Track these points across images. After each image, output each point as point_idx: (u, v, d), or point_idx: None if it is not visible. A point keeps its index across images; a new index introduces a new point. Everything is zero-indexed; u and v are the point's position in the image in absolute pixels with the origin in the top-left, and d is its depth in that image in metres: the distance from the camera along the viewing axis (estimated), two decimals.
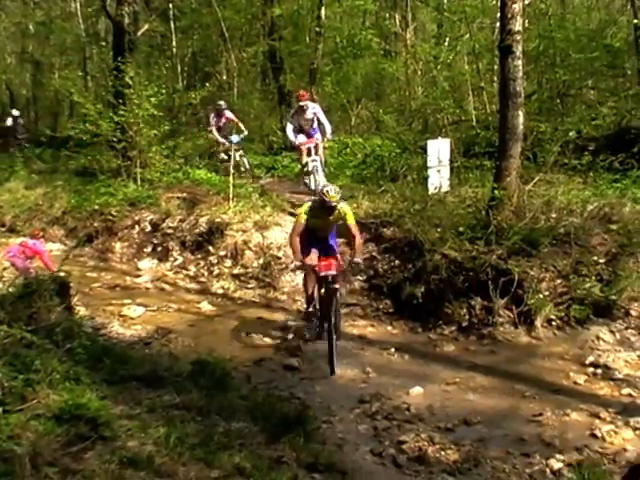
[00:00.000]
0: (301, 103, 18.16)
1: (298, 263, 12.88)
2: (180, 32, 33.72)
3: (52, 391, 6.74)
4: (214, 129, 21.58)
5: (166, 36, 33.58)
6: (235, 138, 21.16)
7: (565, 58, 20.96)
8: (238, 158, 20.67)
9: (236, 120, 21.98)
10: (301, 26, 30.52)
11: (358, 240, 11.68)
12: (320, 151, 18.34)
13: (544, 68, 21.46)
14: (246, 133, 21.73)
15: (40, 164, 26.70)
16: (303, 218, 11.60)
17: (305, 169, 18.34)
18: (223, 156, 21.76)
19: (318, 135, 18.32)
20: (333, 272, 11.43)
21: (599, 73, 21.47)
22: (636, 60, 19.75)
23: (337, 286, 11.51)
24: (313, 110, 18.26)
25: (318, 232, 11.86)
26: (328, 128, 18.31)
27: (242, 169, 20.88)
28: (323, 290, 11.61)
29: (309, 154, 18.12)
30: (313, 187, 17.46)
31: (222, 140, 21.57)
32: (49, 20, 39.48)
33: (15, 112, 32.12)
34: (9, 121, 31.69)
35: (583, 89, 21.85)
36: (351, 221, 11.61)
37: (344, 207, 11.67)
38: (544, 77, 21.67)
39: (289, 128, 18.30)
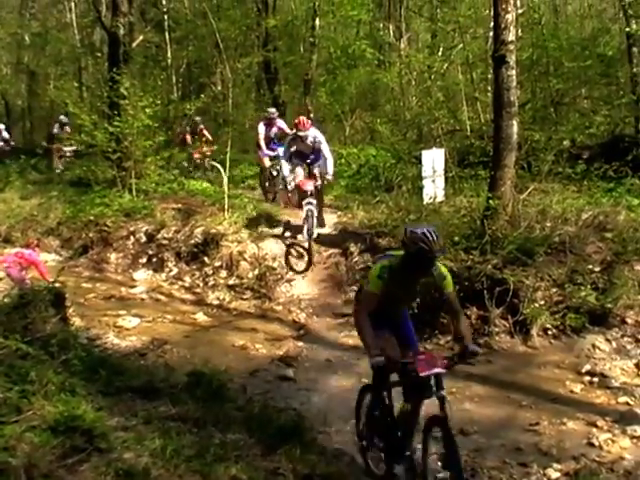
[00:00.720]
0: (301, 133, 16.15)
1: (377, 361, 7.23)
2: (175, 43, 33.91)
3: (47, 402, 6.71)
4: (262, 142, 19.87)
5: (161, 47, 33.76)
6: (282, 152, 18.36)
7: (558, 67, 21.05)
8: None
9: (288, 131, 19.35)
10: (295, 37, 30.67)
11: (462, 317, 8.08)
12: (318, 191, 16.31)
13: (538, 77, 21.54)
14: None
15: (35, 174, 26.63)
16: (378, 286, 7.52)
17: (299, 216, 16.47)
18: (272, 172, 19.94)
19: (318, 168, 16.52)
20: (440, 370, 7.21)
21: (592, 82, 21.58)
22: (629, 68, 19.80)
23: (444, 393, 7.23)
24: (314, 137, 16.33)
25: (393, 306, 8.01)
26: (330, 165, 16.35)
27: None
28: (409, 404, 7.67)
29: (304, 194, 15.96)
30: (306, 236, 15.72)
31: (267, 153, 19.75)
32: (45, 31, 39.63)
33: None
34: None
35: (577, 98, 21.93)
36: (450, 287, 7.67)
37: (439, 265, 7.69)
38: (538, 86, 21.76)
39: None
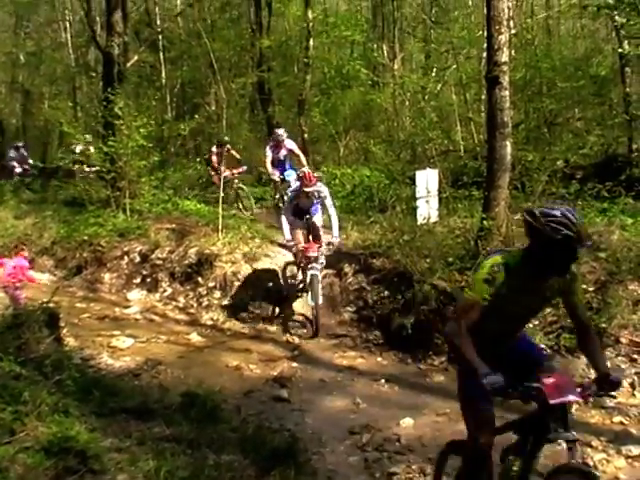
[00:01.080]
0: (307, 189, 14.79)
1: (492, 380, 5.28)
2: (169, 63, 34.06)
3: (41, 423, 6.70)
4: (269, 164, 19.37)
5: (155, 67, 33.86)
6: (292, 175, 18.01)
7: (552, 87, 21.21)
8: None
9: (298, 152, 19.72)
10: (289, 57, 30.86)
11: (594, 334, 6.14)
12: (322, 257, 14.99)
13: (531, 97, 21.67)
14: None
15: (29, 194, 26.63)
16: (485, 291, 5.45)
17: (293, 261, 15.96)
18: (281, 195, 18.81)
19: (318, 216, 15.57)
20: (576, 398, 5.53)
21: (585, 102, 21.71)
22: (622, 88, 19.89)
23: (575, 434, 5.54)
24: (318, 192, 15.07)
25: (506, 327, 5.98)
26: (335, 224, 14.91)
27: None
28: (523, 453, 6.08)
29: (308, 260, 14.78)
30: (311, 303, 14.42)
31: (276, 173, 19.17)
32: (39, 50, 39.83)
33: None
34: None
35: (570, 118, 22.02)
36: (582, 293, 6.64)
37: None
38: (531, 106, 21.86)
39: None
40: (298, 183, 15.15)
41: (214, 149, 22.05)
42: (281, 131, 20.14)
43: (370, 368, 12.88)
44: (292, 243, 14.99)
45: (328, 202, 15.01)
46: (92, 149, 23.62)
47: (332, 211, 14.92)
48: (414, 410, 10.78)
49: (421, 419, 10.46)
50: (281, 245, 16.87)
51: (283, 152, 19.54)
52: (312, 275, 14.52)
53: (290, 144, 19.67)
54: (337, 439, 9.69)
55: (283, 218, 15.10)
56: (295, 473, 7.51)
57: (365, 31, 31.31)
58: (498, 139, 13.48)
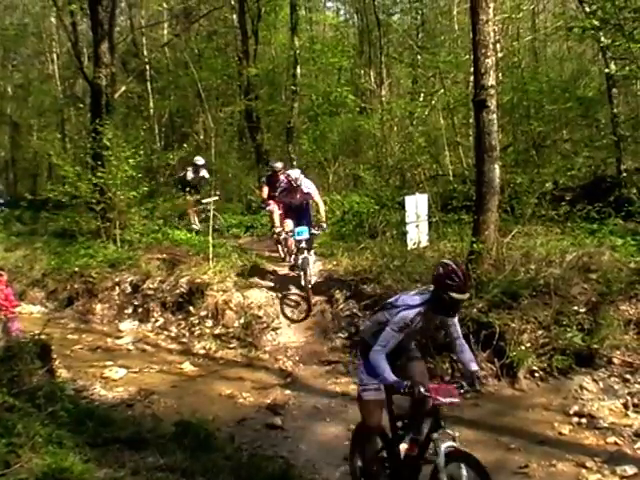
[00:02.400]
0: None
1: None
2: (157, 93, 34.21)
3: (35, 455, 6.69)
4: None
5: (143, 97, 34.05)
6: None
7: (539, 110, 21.25)
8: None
9: (315, 197, 16.19)
10: (277, 85, 31.00)
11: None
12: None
13: (519, 120, 21.75)
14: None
15: (20, 226, 26.65)
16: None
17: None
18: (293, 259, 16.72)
19: (309, 210, 16.28)
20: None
21: (573, 123, 21.77)
22: (609, 109, 19.99)
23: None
24: (306, 185, 15.71)
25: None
26: (322, 211, 16.23)
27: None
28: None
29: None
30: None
31: (279, 229, 17.09)
32: (27, 82, 40.10)
33: None
34: None
35: (558, 140, 22.10)
36: None
37: None
38: (519, 129, 21.96)
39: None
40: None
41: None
42: (279, 165, 19.15)
43: None
44: (279, 229, 16.59)
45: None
46: (206, 174, 22.86)
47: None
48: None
49: None
50: (274, 236, 18.03)
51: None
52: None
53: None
54: (331, 466, 9.67)
55: (275, 207, 17.16)
56: None
57: (352, 57, 31.47)
58: (487, 162, 13.51)
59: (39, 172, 41.09)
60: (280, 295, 16.46)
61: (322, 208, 16.34)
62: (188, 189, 22.65)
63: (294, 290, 16.41)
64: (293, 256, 16.41)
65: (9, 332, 14.64)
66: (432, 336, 9.49)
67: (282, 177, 17.05)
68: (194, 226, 22.31)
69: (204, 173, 22.48)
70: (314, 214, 16.80)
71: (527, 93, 20.91)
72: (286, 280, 16.64)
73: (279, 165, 19.16)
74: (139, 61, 33.90)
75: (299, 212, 16.13)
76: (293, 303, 16.26)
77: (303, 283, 15.68)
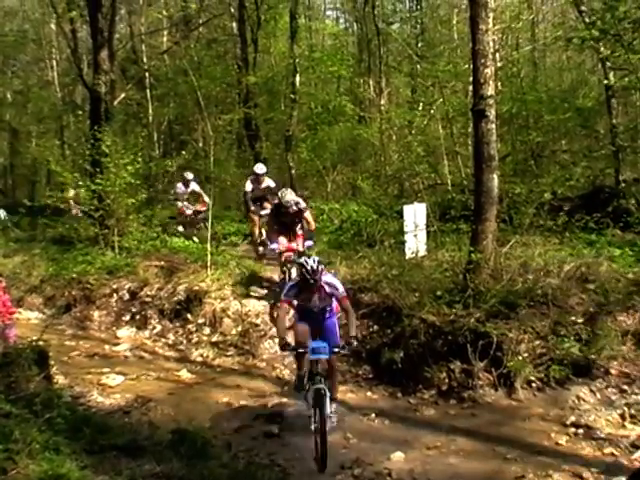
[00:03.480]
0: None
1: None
2: (156, 100, 34.20)
3: (32, 461, 6.68)
4: (249, 201, 18.76)
5: (142, 104, 34.01)
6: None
7: (538, 119, 21.32)
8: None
9: (311, 221, 16.23)
10: (276, 93, 30.95)
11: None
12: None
13: (517, 130, 21.79)
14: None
15: (18, 232, 26.64)
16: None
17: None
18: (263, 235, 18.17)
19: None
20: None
21: (572, 134, 21.80)
22: (608, 120, 20.01)
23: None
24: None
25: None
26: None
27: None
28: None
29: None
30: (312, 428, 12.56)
31: (255, 211, 18.63)
32: (26, 89, 40.08)
33: None
34: None
35: (556, 150, 22.13)
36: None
37: None
38: (518, 139, 21.97)
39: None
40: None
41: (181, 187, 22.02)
42: (260, 166, 19.54)
43: (360, 403, 12.86)
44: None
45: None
46: (196, 187, 22.84)
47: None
48: (405, 444, 10.77)
49: (412, 453, 10.45)
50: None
51: (263, 187, 18.79)
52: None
53: (268, 181, 18.88)
54: (328, 474, 9.67)
55: (256, 219, 18.13)
56: None
57: (351, 66, 31.51)
58: (485, 172, 13.51)
59: (38, 179, 41.14)
60: (270, 303, 16.33)
61: (312, 226, 16.31)
62: (179, 203, 22.75)
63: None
64: (286, 275, 15.47)
65: (6, 338, 14.60)
66: None
67: (265, 184, 18.39)
68: (179, 229, 22.67)
69: (194, 186, 22.50)
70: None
71: (526, 103, 20.97)
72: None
73: (261, 167, 19.49)
74: (138, 68, 33.87)
75: (292, 234, 15.93)
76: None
77: (313, 427, 10.30)
